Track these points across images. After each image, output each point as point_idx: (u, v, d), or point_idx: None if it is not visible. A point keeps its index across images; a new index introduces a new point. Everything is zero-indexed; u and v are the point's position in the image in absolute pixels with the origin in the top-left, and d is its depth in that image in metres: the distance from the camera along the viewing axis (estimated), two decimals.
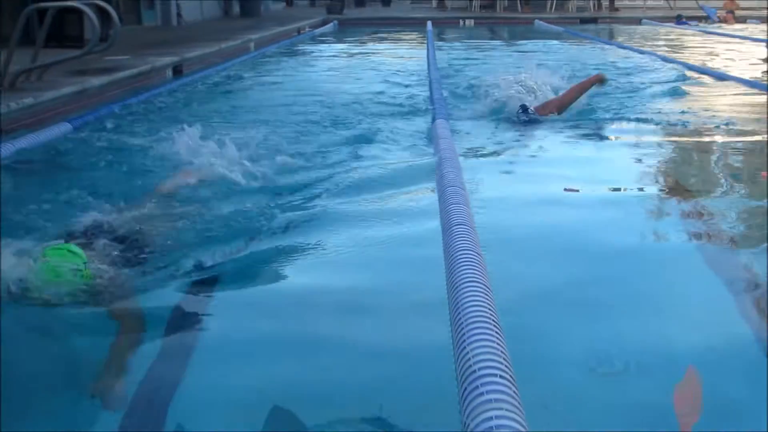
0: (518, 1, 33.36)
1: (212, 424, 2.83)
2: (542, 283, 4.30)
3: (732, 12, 28.78)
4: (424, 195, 5.95)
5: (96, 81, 9.70)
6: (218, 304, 4.15)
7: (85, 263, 3.68)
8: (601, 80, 9.16)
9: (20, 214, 5.21)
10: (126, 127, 8.79)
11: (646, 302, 4.00)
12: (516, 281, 4.25)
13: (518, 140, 7.98)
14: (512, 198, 6.18)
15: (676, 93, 11.23)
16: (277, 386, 3.15)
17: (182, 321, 3.89)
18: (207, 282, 4.31)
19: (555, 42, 21.18)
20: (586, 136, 8.14)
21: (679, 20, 28.07)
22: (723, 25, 27.05)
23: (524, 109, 8.36)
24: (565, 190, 6.12)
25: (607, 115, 9.13)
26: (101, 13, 9.23)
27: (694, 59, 15.97)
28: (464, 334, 3.06)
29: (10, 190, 5.88)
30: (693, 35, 23.62)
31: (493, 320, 3.18)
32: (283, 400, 3.06)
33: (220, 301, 4.20)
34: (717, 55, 17.56)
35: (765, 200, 5.73)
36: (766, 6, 33.95)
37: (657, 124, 8.71)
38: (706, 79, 12.86)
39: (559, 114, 8.65)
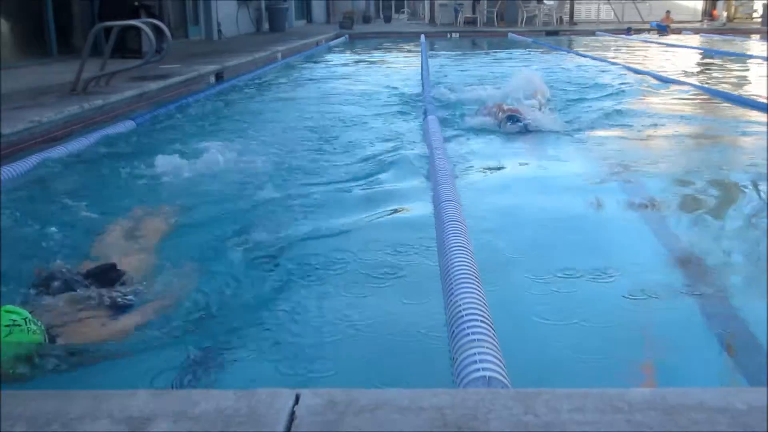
0: (495, 18, 33.30)
1: None
2: (514, 246, 4.31)
3: (668, 26, 28.70)
4: (418, 176, 5.97)
5: (153, 85, 9.72)
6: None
7: (25, 318, 2.79)
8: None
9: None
10: (180, 124, 8.83)
11: (598, 263, 4.03)
12: (494, 245, 4.25)
13: (495, 138, 7.66)
14: (492, 179, 6.20)
15: (625, 93, 11.21)
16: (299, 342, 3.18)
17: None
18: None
19: (525, 50, 21.09)
20: (552, 133, 8.00)
21: (629, 32, 27.97)
22: (664, 36, 26.91)
23: (512, 119, 7.57)
24: None
25: (568, 116, 9.08)
26: (156, 29, 9.24)
27: (641, 64, 15.89)
28: (453, 286, 3.09)
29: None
30: (639, 44, 23.52)
31: (475, 276, 3.21)
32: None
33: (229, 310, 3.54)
34: (660, 60, 17.51)
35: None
36: (699, 19, 34.07)
37: (609, 119, 8.70)
38: (650, 80, 12.82)
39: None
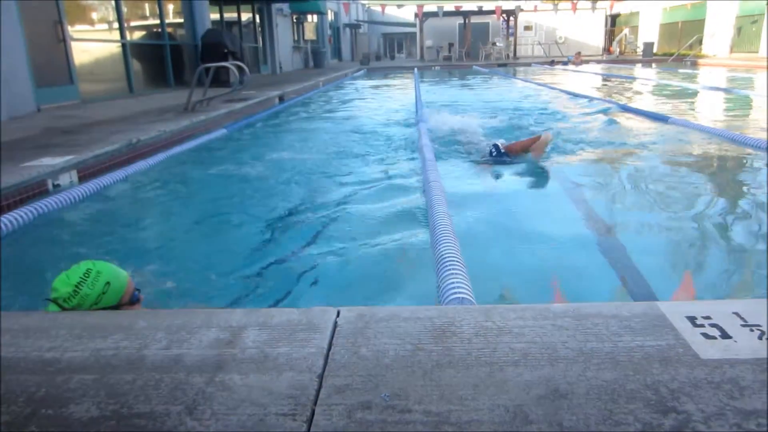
0: (464, 55, 32.91)
1: None
2: (478, 213, 4.30)
3: (579, 58, 28.32)
4: (412, 162, 5.96)
5: (238, 105, 9.66)
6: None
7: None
8: (547, 141, 5.75)
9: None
10: (256, 131, 8.82)
11: (528, 224, 4.01)
12: (463, 211, 4.24)
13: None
14: (459, 165, 6.17)
15: (547, 105, 11.09)
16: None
17: None
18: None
19: (483, 77, 20.82)
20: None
21: (552, 64, 27.54)
22: (575, 66, 26.48)
23: (496, 147, 5.90)
24: None
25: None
26: (239, 68, 9.22)
27: (561, 85, 15.68)
28: (437, 238, 3.10)
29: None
30: (559, 72, 23.15)
31: (452, 232, 3.22)
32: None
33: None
34: (572, 81, 17.24)
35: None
36: (600, 54, 33.50)
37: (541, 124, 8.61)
38: (565, 97, 12.67)
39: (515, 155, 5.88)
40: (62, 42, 9.57)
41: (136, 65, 12.12)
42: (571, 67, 25.51)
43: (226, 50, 13.53)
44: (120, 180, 5.13)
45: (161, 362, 1.42)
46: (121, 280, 1.96)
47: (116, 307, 1.93)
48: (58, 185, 4.73)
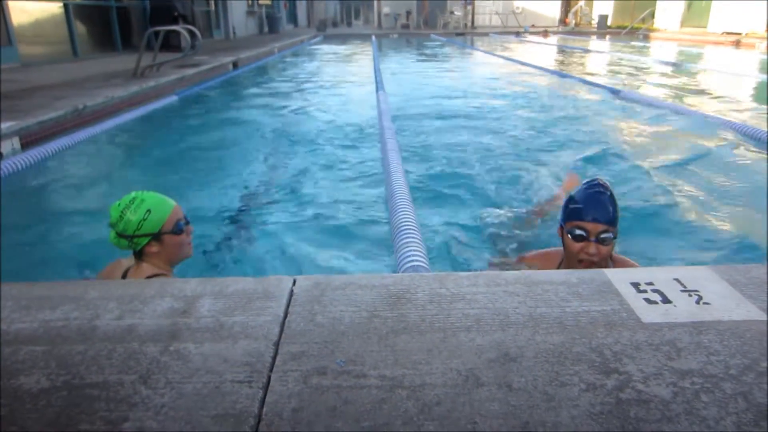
0: (422, 23, 32.65)
1: None
2: (437, 178, 4.34)
3: (546, 34, 28.47)
4: (371, 128, 5.94)
5: (190, 71, 9.37)
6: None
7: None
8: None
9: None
10: (209, 98, 8.60)
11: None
12: (419, 176, 4.28)
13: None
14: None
15: (501, 78, 11.14)
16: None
17: None
18: None
19: (440, 45, 20.74)
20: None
21: (518, 34, 27.53)
22: (544, 38, 26.61)
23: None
24: None
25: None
26: (190, 32, 8.91)
27: (521, 57, 15.77)
28: (395, 207, 3.12)
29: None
30: (520, 42, 23.26)
31: (409, 201, 3.24)
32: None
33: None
34: (532, 54, 17.37)
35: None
36: (556, 25, 33.75)
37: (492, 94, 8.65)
38: (523, 68, 12.75)
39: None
40: None
41: (80, 27, 11.57)
42: (538, 39, 25.66)
43: (176, 13, 13.05)
44: (65, 148, 4.94)
45: (114, 332, 1.40)
46: (165, 210, 2.05)
47: (158, 234, 2.03)
48: None
